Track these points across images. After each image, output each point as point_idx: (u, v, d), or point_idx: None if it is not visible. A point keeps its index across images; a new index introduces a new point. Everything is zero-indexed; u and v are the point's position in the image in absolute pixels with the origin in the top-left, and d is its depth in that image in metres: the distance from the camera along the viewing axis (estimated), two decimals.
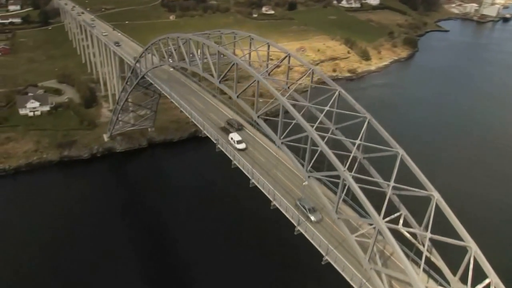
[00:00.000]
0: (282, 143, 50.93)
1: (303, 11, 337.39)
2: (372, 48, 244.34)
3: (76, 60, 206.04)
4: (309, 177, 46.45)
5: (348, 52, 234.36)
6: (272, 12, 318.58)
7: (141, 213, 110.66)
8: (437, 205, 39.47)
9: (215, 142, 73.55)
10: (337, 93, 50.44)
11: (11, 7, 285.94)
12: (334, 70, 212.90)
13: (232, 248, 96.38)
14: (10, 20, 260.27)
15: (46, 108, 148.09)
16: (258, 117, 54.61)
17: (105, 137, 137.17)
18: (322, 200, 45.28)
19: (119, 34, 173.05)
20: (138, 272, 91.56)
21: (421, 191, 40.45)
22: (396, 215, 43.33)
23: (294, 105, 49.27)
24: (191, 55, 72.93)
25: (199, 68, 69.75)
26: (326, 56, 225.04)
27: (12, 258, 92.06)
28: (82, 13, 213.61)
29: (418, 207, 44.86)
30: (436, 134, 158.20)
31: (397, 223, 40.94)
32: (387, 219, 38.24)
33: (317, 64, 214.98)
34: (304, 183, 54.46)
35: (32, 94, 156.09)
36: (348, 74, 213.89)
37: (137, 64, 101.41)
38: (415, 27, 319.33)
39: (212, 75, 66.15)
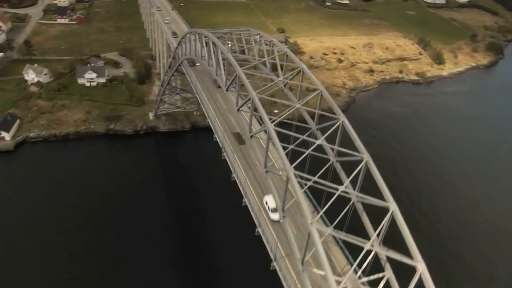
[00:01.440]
0: (251, 136, 51.02)
1: (381, 4, 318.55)
2: (448, 51, 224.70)
3: (141, 34, 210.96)
4: (266, 172, 45.78)
5: (420, 53, 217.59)
6: (347, 1, 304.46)
7: (177, 191, 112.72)
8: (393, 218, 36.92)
9: (222, 150, 70.26)
10: (340, 123, 44.28)
11: None
12: (400, 71, 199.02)
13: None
14: None
15: (102, 80, 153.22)
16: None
17: (151, 116, 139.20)
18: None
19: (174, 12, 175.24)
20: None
21: (379, 201, 37.60)
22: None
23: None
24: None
25: (212, 68, 65.73)
26: (394, 55, 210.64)
27: (65, 210, 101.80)
28: None
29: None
30: None
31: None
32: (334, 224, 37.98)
33: (383, 63, 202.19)
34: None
35: (93, 64, 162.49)
36: (415, 77, 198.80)
37: (177, 50, 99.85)
38: (506, 30, 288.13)
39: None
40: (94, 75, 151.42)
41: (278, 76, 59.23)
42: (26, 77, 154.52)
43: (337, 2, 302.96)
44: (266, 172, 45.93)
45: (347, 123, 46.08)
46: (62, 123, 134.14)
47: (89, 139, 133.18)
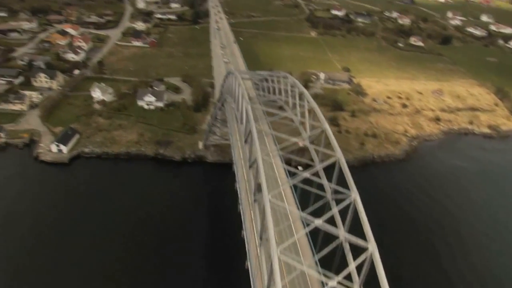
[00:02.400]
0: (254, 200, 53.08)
1: (458, 48, 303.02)
2: None
3: (207, 61, 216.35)
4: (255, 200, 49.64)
5: (496, 104, 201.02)
6: (421, 44, 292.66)
7: (216, 223, 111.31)
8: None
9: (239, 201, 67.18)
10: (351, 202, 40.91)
11: (172, 5, 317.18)
12: (471, 123, 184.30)
13: None
14: (168, 16, 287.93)
15: (160, 104, 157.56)
16: None
17: (200, 145, 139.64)
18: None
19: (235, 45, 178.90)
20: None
21: (359, 240, 39.30)
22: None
23: None
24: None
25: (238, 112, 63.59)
26: (465, 105, 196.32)
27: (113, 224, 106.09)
28: (219, 18, 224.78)
29: None
30: None
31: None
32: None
33: (452, 112, 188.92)
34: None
35: (155, 88, 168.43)
36: (487, 130, 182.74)
37: (222, 87, 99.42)
38: None
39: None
40: (153, 98, 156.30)
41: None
42: (92, 94, 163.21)
43: (411, 44, 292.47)
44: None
45: (343, 161, 50.49)
46: (115, 142, 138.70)
47: (138, 160, 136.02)
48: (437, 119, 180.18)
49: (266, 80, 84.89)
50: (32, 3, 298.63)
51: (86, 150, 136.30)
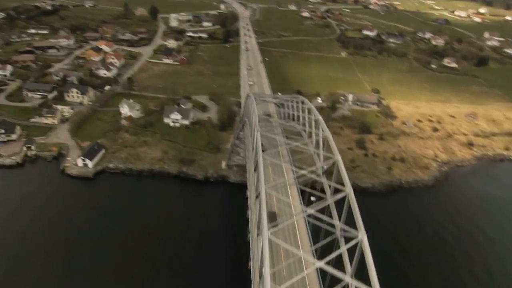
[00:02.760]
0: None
1: (494, 70, 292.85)
2: None
3: (236, 80, 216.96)
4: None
5: None
6: (455, 65, 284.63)
7: (232, 247, 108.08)
8: None
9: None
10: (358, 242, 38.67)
11: (204, 23, 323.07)
12: (507, 148, 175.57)
13: None
14: (199, 34, 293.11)
15: (186, 122, 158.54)
16: None
17: (223, 164, 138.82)
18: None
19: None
20: None
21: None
22: None
23: None
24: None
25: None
26: (501, 129, 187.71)
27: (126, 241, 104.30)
28: (248, 36, 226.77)
29: None
30: None
31: None
32: None
33: (486, 137, 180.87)
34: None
35: (182, 105, 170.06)
36: None
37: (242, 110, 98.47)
38: None
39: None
40: (179, 116, 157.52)
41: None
42: (121, 110, 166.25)
43: (444, 65, 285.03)
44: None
45: (352, 196, 48.58)
46: (139, 159, 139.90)
47: (161, 178, 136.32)
48: (470, 144, 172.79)
49: (282, 104, 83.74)
50: (72, 21, 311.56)
51: (111, 165, 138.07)
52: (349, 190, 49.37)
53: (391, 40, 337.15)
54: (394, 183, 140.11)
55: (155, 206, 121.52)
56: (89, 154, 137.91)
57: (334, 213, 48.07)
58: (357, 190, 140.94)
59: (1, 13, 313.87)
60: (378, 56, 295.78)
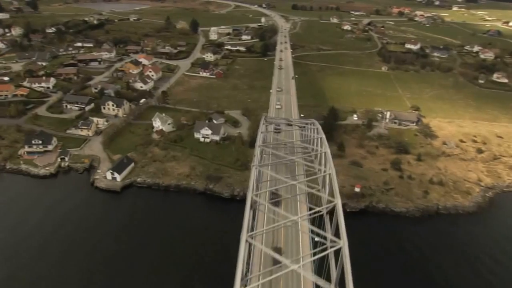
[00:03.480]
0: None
1: None
2: None
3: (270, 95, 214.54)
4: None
5: None
6: (506, 80, 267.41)
7: None
8: None
9: None
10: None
11: (243, 37, 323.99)
12: None
13: None
14: (237, 48, 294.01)
15: (216, 138, 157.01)
16: None
17: None
18: None
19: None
20: None
21: None
22: None
23: None
24: None
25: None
26: None
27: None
28: (284, 48, 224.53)
29: None
30: None
31: None
32: None
33: None
34: None
35: (214, 120, 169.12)
36: None
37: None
38: None
39: None
40: (209, 131, 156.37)
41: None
42: (154, 124, 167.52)
43: (493, 81, 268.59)
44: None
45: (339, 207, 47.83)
46: (167, 174, 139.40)
47: (187, 194, 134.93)
48: None
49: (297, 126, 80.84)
50: (116, 34, 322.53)
51: (139, 179, 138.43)
52: (337, 200, 50.06)
53: (436, 53, 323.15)
54: (431, 209, 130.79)
55: (180, 222, 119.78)
56: (118, 167, 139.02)
57: (332, 261, 45.85)
58: (390, 214, 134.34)
59: (52, 28, 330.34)
60: (420, 70, 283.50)
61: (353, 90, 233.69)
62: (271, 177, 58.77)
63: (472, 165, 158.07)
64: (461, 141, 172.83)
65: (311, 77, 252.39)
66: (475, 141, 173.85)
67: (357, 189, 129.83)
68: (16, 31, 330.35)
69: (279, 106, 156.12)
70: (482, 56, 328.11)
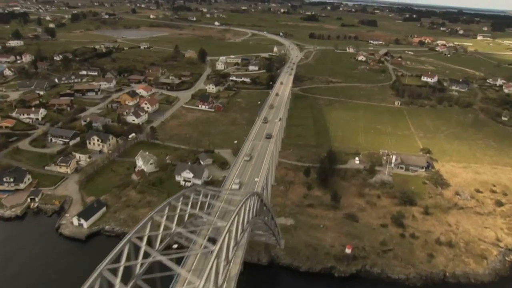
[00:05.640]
0: None
1: None
2: None
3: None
4: None
5: None
6: None
7: None
8: None
9: None
10: None
11: (250, 67, 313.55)
12: None
13: None
14: (242, 79, 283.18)
15: (198, 181, 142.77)
16: None
17: None
18: None
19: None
20: None
21: None
22: None
23: None
24: None
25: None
26: None
27: None
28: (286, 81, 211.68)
29: None
30: None
31: None
32: None
33: None
34: None
35: (201, 160, 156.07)
36: None
37: None
38: None
39: None
40: (190, 175, 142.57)
41: None
42: (137, 162, 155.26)
43: None
44: None
45: None
46: (137, 222, 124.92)
47: None
48: None
49: None
50: (121, 63, 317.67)
51: (107, 227, 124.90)
52: None
53: (454, 87, 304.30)
54: (436, 276, 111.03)
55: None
56: (86, 213, 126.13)
57: None
58: (386, 282, 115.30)
59: (60, 56, 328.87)
60: (437, 106, 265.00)
61: (360, 127, 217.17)
62: None
63: (489, 221, 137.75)
64: (478, 191, 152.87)
65: (317, 112, 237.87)
66: (493, 191, 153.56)
67: (347, 250, 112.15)
68: (27, 58, 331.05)
69: (247, 158, 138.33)
70: (506, 91, 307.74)
